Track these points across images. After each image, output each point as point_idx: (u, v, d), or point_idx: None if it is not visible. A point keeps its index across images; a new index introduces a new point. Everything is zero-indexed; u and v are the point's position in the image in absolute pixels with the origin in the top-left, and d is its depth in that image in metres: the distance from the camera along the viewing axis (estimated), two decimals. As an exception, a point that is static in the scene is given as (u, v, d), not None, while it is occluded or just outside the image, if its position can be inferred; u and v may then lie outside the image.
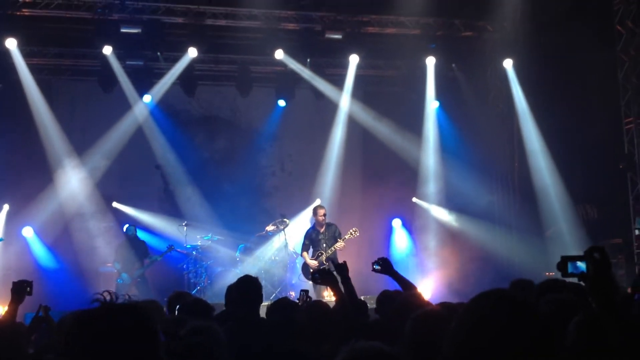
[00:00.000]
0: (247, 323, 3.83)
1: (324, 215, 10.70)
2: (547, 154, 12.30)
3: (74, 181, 12.21)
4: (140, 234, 12.22)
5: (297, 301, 4.91)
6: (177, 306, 4.37)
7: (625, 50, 11.65)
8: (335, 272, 4.86)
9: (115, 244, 11.89)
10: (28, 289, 4.49)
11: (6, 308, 4.57)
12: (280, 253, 12.26)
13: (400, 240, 13.67)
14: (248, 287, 4.60)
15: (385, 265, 5.05)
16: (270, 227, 12.00)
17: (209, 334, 3.04)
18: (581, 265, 2.41)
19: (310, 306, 4.48)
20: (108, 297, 2.04)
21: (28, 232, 12.02)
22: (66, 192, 12.15)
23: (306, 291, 4.94)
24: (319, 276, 4.70)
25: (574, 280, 2.55)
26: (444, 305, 4.36)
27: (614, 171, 11.51)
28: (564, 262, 2.54)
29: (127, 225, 12.13)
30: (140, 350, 1.91)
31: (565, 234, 11.05)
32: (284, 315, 4.33)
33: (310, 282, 7.84)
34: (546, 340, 1.76)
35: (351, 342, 1.98)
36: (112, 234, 12.33)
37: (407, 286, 4.98)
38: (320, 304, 4.49)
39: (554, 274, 9.65)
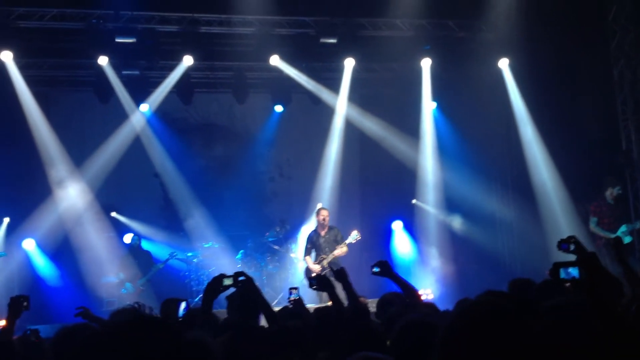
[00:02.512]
0: (246, 332, 3.82)
1: (325, 217, 10.68)
2: (545, 152, 12.31)
3: (72, 192, 12.22)
4: (144, 244, 12.29)
5: (288, 302, 4.89)
6: (182, 310, 4.35)
7: (620, 47, 11.67)
8: (334, 279, 4.85)
9: (118, 254, 11.94)
10: (25, 303, 4.50)
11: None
12: (281, 258, 12.29)
13: (401, 242, 13.66)
14: (247, 296, 4.59)
15: (384, 268, 5.02)
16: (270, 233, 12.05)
17: (201, 349, 3.02)
18: (573, 270, 2.41)
19: (308, 314, 4.49)
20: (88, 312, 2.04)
21: (29, 244, 12.02)
22: (65, 203, 12.16)
23: (295, 288, 4.91)
24: (315, 282, 4.70)
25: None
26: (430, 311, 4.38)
27: (612, 168, 11.50)
28: (556, 269, 2.54)
29: (131, 235, 12.19)
30: None
31: (565, 232, 11.03)
32: (285, 324, 4.33)
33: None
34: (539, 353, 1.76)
35: (354, 354, 1.97)
36: (113, 244, 12.34)
37: (407, 289, 4.97)
38: (322, 310, 4.50)
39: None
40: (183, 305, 4.29)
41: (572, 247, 4.51)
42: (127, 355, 1.86)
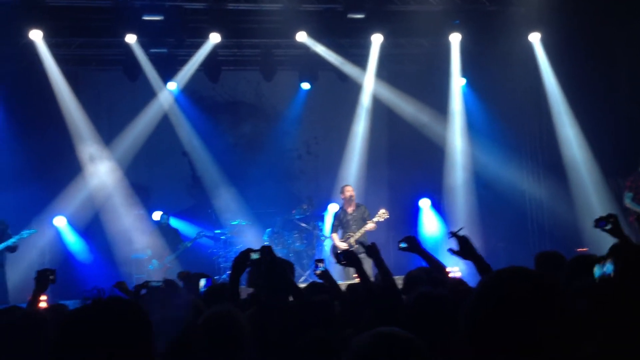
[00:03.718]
0: (271, 307, 3.83)
1: (352, 194, 10.65)
2: (577, 128, 12.08)
3: (102, 170, 12.36)
4: (173, 222, 12.43)
5: (314, 274, 4.86)
6: (202, 286, 4.38)
7: (655, 19, 11.35)
8: (366, 254, 4.81)
9: (147, 231, 12.10)
10: (51, 277, 4.62)
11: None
12: (308, 236, 12.31)
13: (429, 220, 13.57)
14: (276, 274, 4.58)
15: (412, 244, 4.95)
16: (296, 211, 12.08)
17: (229, 320, 3.03)
18: (609, 267, 2.34)
19: (337, 291, 4.47)
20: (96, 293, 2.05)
21: (60, 221, 12.20)
22: (95, 181, 12.31)
23: (321, 260, 4.88)
24: (343, 258, 4.67)
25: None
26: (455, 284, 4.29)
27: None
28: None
29: (160, 213, 12.33)
30: (126, 345, 1.91)
31: (597, 209, 10.87)
32: (312, 300, 4.32)
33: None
34: (566, 318, 1.71)
35: (374, 328, 1.94)
36: (142, 221, 12.49)
37: (435, 264, 4.92)
38: (354, 286, 4.47)
39: (587, 249, 9.56)
40: (203, 281, 4.32)
41: (609, 226, 4.44)
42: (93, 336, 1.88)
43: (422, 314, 3.13)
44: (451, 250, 4.31)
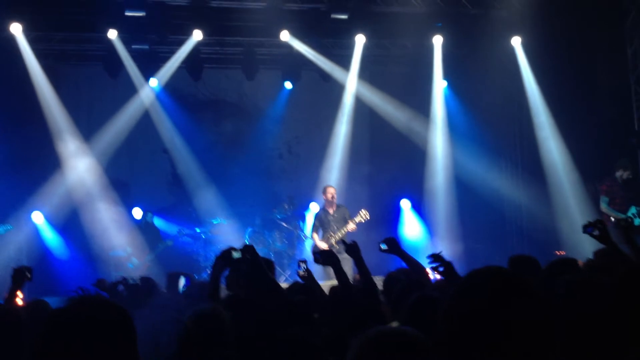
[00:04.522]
0: (251, 306, 3.82)
1: (333, 195, 10.67)
2: (556, 132, 12.21)
3: (81, 166, 12.24)
4: (156, 221, 12.38)
5: (298, 272, 4.86)
6: (182, 285, 4.37)
7: (635, 25, 11.50)
8: (345, 254, 4.81)
9: (126, 228, 12.01)
10: (28, 274, 4.60)
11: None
12: (289, 235, 12.30)
13: (409, 221, 13.62)
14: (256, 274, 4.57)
15: (392, 245, 4.99)
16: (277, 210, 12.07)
17: (213, 318, 3.03)
18: None
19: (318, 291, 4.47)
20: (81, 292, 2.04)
21: (38, 217, 12.07)
22: (74, 177, 12.18)
23: (304, 261, 4.88)
24: (320, 257, 4.67)
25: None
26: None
27: (625, 148, 11.40)
28: None
29: (140, 210, 12.28)
30: (111, 344, 1.90)
31: (575, 212, 10.98)
32: (292, 300, 4.32)
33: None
34: (541, 317, 1.73)
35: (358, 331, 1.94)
36: (121, 218, 12.38)
37: (415, 265, 4.95)
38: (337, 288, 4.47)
39: (564, 252, 9.66)
40: (182, 280, 4.31)
41: (596, 232, 4.49)
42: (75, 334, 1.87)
43: (419, 316, 3.15)
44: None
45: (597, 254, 4.42)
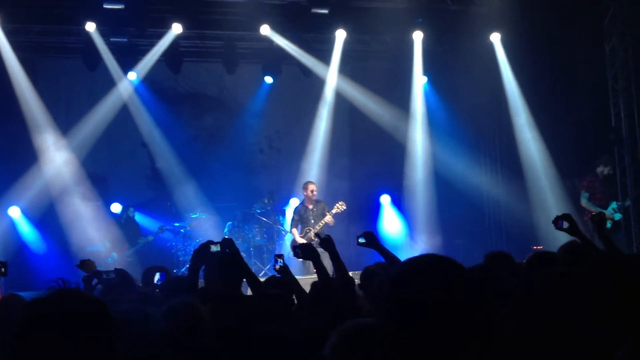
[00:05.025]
0: (228, 300, 3.81)
1: (314, 191, 10.69)
2: (534, 128, 12.31)
3: (59, 160, 12.10)
4: (137, 217, 12.30)
5: (274, 270, 4.87)
6: (156, 280, 4.36)
7: (613, 22, 11.61)
8: (321, 247, 4.82)
9: (105, 223, 11.91)
10: (2, 269, 4.53)
11: None
12: (269, 230, 12.28)
13: (389, 216, 13.67)
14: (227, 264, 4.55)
15: (370, 239, 5.04)
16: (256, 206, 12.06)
17: (190, 311, 3.02)
18: None
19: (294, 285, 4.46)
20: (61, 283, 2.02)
21: (14, 211, 11.93)
22: (52, 171, 12.04)
23: (281, 255, 4.88)
24: (300, 251, 4.67)
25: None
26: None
27: (603, 144, 11.52)
28: None
29: (119, 205, 12.19)
30: (89, 337, 1.88)
31: (552, 207, 11.09)
32: (270, 293, 4.31)
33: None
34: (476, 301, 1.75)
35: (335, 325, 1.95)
36: (99, 213, 12.27)
37: (392, 260, 4.98)
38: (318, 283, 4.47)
39: (541, 247, 9.77)
40: (157, 276, 4.31)
41: (565, 225, 4.57)
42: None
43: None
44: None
45: (561, 248, 4.49)
